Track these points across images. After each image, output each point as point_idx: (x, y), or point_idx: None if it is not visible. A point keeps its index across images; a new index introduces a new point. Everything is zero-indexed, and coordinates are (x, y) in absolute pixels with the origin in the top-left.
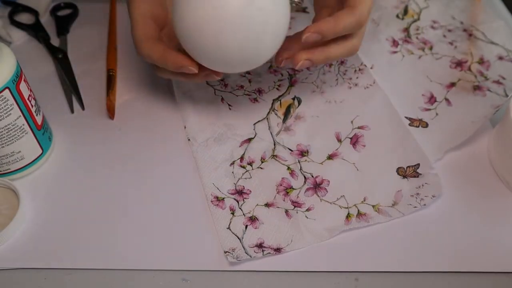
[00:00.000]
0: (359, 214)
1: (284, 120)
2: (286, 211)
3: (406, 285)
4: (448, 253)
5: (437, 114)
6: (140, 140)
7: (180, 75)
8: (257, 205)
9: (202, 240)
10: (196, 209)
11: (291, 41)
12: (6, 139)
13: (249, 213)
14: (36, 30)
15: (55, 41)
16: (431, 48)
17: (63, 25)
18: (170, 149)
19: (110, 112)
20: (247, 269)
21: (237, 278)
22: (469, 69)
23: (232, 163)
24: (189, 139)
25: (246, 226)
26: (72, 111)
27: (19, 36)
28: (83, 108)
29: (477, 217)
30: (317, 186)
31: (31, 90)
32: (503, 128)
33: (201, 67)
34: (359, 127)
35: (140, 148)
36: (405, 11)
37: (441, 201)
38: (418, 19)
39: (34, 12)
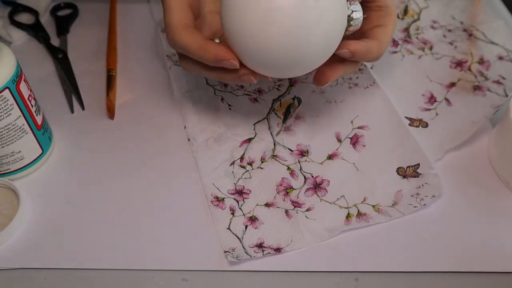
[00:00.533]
0: (359, 214)
1: (284, 120)
2: (286, 211)
3: (406, 285)
4: (448, 253)
5: (437, 114)
6: (140, 140)
7: (213, 71)
8: (257, 205)
9: (202, 240)
10: (196, 209)
11: None
12: (6, 139)
13: (249, 213)
14: (36, 30)
15: (55, 41)
16: (431, 48)
17: (63, 25)
18: (170, 149)
19: (110, 112)
20: (247, 269)
21: (237, 278)
22: (469, 69)
23: (232, 163)
24: (189, 139)
25: (246, 226)
26: (72, 111)
27: (19, 36)
28: (83, 108)
29: (477, 217)
30: (317, 186)
31: (31, 90)
32: (503, 128)
33: (241, 66)
34: (359, 127)
35: (140, 148)
36: (405, 11)
37: (441, 201)
38: (418, 19)
39: (34, 12)
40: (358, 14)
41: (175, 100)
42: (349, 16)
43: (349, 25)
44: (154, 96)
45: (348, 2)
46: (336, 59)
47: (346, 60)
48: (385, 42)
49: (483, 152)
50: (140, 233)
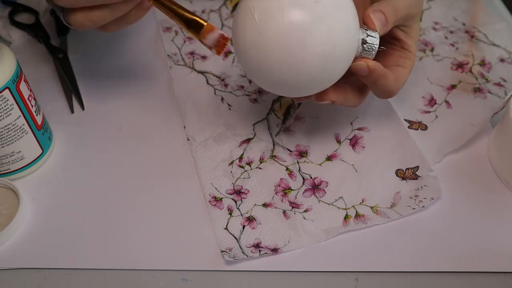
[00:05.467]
0: (357, 215)
1: (284, 121)
2: (284, 212)
3: (407, 285)
4: (448, 253)
5: (436, 116)
6: (139, 140)
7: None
8: (255, 205)
9: (202, 240)
10: (196, 208)
11: None
12: (6, 139)
13: (246, 213)
14: (36, 30)
15: (55, 41)
16: (432, 50)
17: (63, 25)
18: (169, 149)
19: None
20: (247, 269)
21: (237, 278)
22: (470, 71)
23: (231, 163)
24: (188, 139)
25: (244, 227)
26: (72, 111)
27: (19, 36)
28: (83, 108)
29: (477, 217)
30: (315, 187)
31: (31, 90)
32: (503, 128)
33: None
34: (358, 129)
35: (140, 148)
36: None
37: (441, 201)
38: (420, 20)
39: (34, 12)
40: (374, 40)
41: (175, 100)
42: (363, 39)
43: (362, 48)
44: (154, 96)
45: (364, 27)
46: (343, 82)
47: (352, 88)
48: (402, 80)
49: (483, 152)
50: (139, 233)
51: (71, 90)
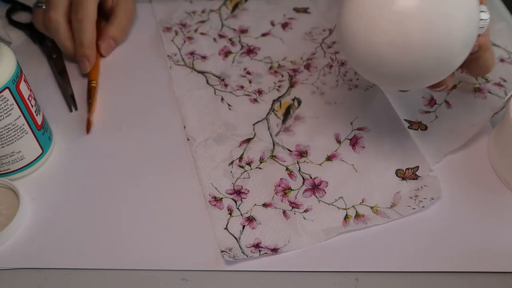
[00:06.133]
0: (357, 215)
1: (284, 121)
2: (284, 212)
3: (407, 285)
4: (448, 253)
5: (436, 116)
6: (139, 140)
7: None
8: (255, 205)
9: (202, 240)
10: (196, 208)
11: None
12: (6, 139)
13: (246, 213)
14: (31, 30)
15: (50, 41)
16: None
17: None
18: (169, 149)
19: (88, 127)
20: (247, 269)
21: (238, 278)
22: None
23: (231, 163)
24: (188, 139)
25: (244, 227)
26: (71, 111)
27: (18, 36)
28: (76, 108)
29: (477, 217)
30: (315, 187)
31: (31, 90)
32: (503, 128)
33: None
34: (358, 129)
35: (140, 148)
36: None
37: (441, 201)
38: None
39: (31, 11)
40: (487, 15)
41: (175, 100)
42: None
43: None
44: (154, 96)
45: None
46: None
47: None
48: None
49: (483, 152)
50: (139, 233)
51: (64, 90)
